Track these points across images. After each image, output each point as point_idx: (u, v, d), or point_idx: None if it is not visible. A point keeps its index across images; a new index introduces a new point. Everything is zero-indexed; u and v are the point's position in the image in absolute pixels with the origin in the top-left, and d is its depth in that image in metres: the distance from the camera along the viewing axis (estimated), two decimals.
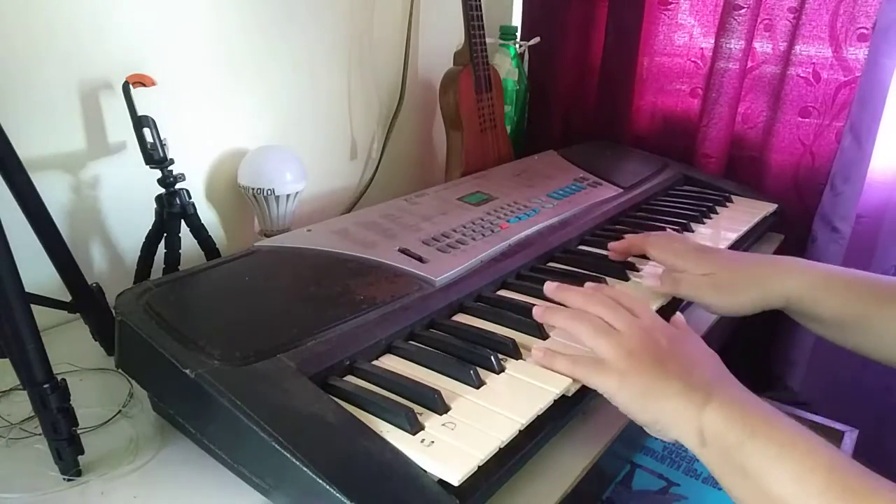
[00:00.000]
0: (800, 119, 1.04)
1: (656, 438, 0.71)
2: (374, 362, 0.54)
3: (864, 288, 0.59)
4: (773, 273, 0.62)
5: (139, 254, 0.74)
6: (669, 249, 0.68)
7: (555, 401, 0.50)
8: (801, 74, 1.03)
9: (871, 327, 0.58)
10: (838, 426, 0.85)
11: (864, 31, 0.96)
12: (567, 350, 0.55)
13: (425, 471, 0.42)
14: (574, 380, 0.51)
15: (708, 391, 0.45)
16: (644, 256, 0.71)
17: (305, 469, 0.40)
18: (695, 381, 0.46)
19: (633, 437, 0.66)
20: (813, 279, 0.61)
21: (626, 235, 0.74)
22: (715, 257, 0.66)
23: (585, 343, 0.52)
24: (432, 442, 0.44)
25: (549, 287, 0.57)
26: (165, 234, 0.73)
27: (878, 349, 0.58)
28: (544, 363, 0.53)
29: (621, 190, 0.96)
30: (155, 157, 0.70)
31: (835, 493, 0.37)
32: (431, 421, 0.46)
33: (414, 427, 0.45)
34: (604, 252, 0.76)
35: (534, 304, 0.58)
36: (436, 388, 0.49)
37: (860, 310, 0.58)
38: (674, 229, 0.84)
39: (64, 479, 0.50)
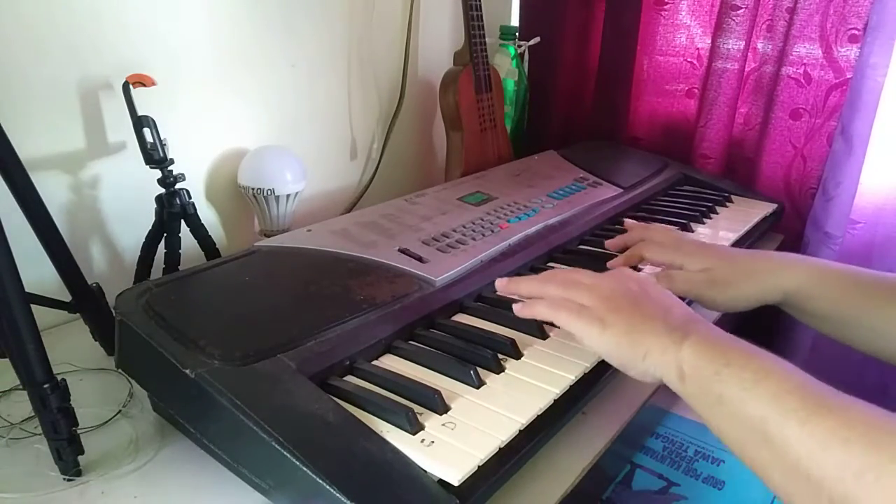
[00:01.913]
0: (791, 121, 1.03)
1: (656, 438, 0.71)
2: (374, 362, 0.54)
3: (860, 284, 0.59)
4: (770, 268, 0.62)
5: (139, 254, 0.74)
6: (664, 249, 0.68)
7: (555, 401, 0.50)
8: (792, 75, 1.02)
9: (866, 323, 0.58)
10: None
11: (856, 31, 0.96)
12: (567, 351, 0.55)
13: (425, 471, 0.42)
14: (552, 324, 0.53)
15: (685, 329, 0.47)
16: None
17: (305, 469, 0.41)
18: (672, 320, 0.49)
19: (633, 437, 0.66)
20: (810, 274, 0.61)
21: (626, 223, 0.74)
22: (711, 253, 0.65)
23: (559, 297, 0.53)
24: (432, 442, 0.44)
25: (500, 282, 0.59)
26: (165, 234, 0.73)
27: (872, 345, 0.58)
28: (524, 313, 0.54)
29: (621, 190, 0.96)
30: (155, 157, 0.70)
31: (810, 408, 0.38)
32: (431, 421, 0.46)
33: (414, 427, 0.45)
34: (604, 251, 0.76)
35: None
36: (436, 388, 0.49)
37: (856, 305, 0.58)
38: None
39: (64, 479, 0.50)
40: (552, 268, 0.74)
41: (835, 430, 0.37)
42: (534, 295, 0.55)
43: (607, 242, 0.74)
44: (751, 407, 0.41)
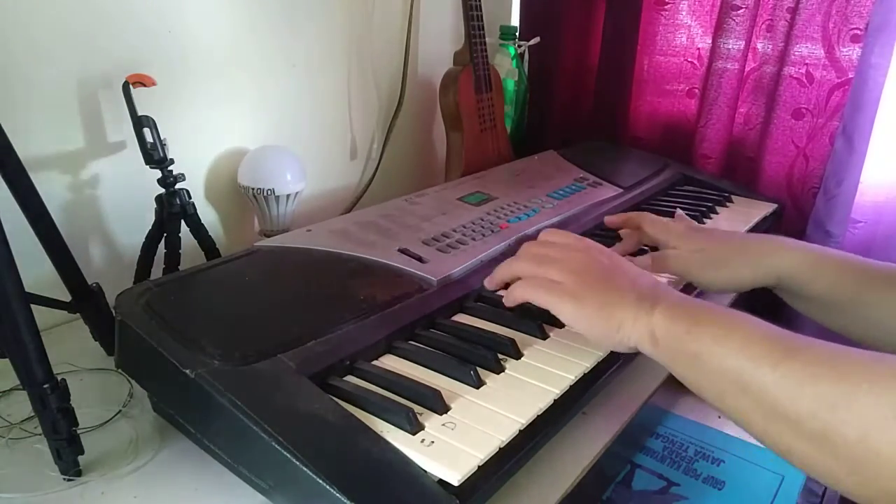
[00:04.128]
0: (793, 121, 1.03)
1: (656, 438, 0.71)
2: (374, 362, 0.54)
3: (855, 270, 0.59)
4: (766, 249, 0.63)
5: (139, 254, 0.74)
6: (663, 227, 0.68)
7: (555, 401, 0.50)
8: (794, 75, 1.01)
9: (858, 310, 0.58)
10: None
11: (858, 31, 0.96)
12: (567, 351, 0.55)
13: (425, 471, 0.42)
14: (551, 323, 0.55)
15: (655, 296, 0.49)
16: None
17: (305, 469, 0.41)
18: (641, 288, 0.51)
19: (633, 437, 0.66)
20: (806, 258, 0.61)
21: (625, 215, 0.75)
22: (707, 234, 0.66)
23: (531, 274, 0.55)
24: (432, 442, 0.44)
25: (486, 280, 0.60)
26: (165, 234, 0.73)
27: (864, 332, 0.58)
28: (507, 302, 0.56)
29: (621, 190, 0.96)
30: (155, 157, 0.70)
31: (779, 353, 0.41)
32: (431, 421, 0.46)
33: (414, 427, 0.45)
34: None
35: (534, 305, 0.58)
36: (436, 388, 0.49)
37: (850, 292, 0.58)
38: None
39: (64, 479, 0.50)
40: None
41: (804, 369, 0.39)
42: (508, 278, 0.57)
43: (607, 219, 0.75)
44: (725, 359, 0.43)
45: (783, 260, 0.61)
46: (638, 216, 0.72)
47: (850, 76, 0.97)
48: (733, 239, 0.65)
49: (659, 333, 0.47)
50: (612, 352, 0.55)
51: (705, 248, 0.64)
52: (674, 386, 0.55)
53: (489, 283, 0.60)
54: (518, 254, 0.58)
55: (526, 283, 0.54)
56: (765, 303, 0.64)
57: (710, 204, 0.96)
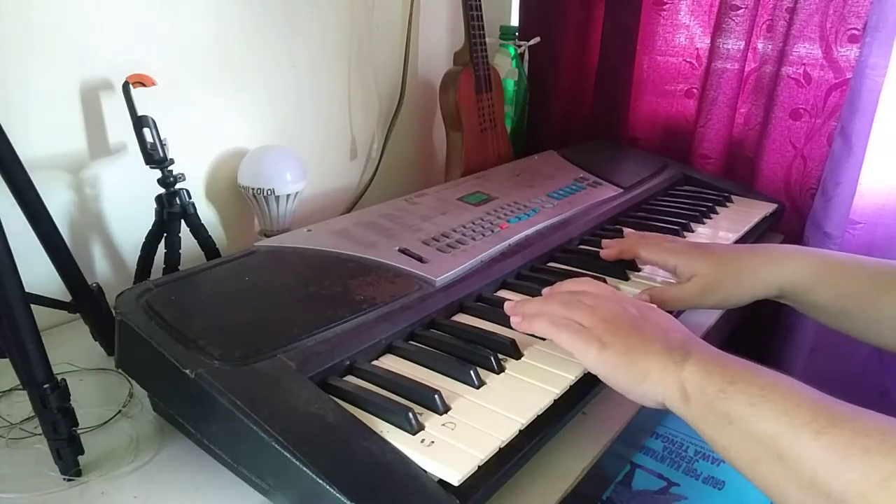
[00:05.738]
0: (791, 121, 1.03)
1: (656, 438, 0.71)
2: (374, 362, 0.54)
3: (862, 273, 0.58)
4: (762, 264, 0.62)
5: (139, 254, 0.74)
6: (659, 248, 0.67)
7: (555, 400, 0.50)
8: (792, 75, 1.01)
9: (869, 313, 0.57)
10: None
11: (855, 31, 0.95)
12: (567, 351, 0.55)
13: (425, 471, 0.42)
14: (547, 339, 0.53)
15: (686, 349, 0.47)
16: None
17: (305, 469, 0.41)
18: (672, 341, 0.48)
19: (633, 437, 0.66)
20: (807, 266, 0.60)
21: (624, 231, 0.74)
22: (702, 256, 0.64)
23: (559, 315, 0.53)
24: (432, 442, 0.44)
25: (508, 304, 0.57)
26: (165, 234, 0.73)
27: (875, 334, 0.57)
28: (523, 328, 0.54)
29: (621, 190, 0.96)
30: (155, 157, 0.70)
31: (822, 421, 0.38)
32: (431, 421, 0.46)
33: (414, 427, 0.45)
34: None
35: None
36: (436, 388, 0.49)
37: (858, 295, 0.57)
38: (673, 229, 0.84)
39: (64, 479, 0.50)
40: (552, 268, 0.74)
41: (852, 440, 0.36)
42: (536, 313, 0.54)
43: (602, 253, 0.73)
44: (761, 423, 0.40)
45: (781, 273, 0.60)
46: (633, 245, 0.70)
47: (848, 76, 0.97)
48: (727, 259, 0.64)
49: (690, 389, 0.44)
50: None
51: (700, 273, 0.63)
52: None
53: (515, 323, 0.56)
54: (548, 295, 0.57)
55: (551, 322, 0.52)
56: (764, 307, 0.64)
57: (709, 204, 0.96)
